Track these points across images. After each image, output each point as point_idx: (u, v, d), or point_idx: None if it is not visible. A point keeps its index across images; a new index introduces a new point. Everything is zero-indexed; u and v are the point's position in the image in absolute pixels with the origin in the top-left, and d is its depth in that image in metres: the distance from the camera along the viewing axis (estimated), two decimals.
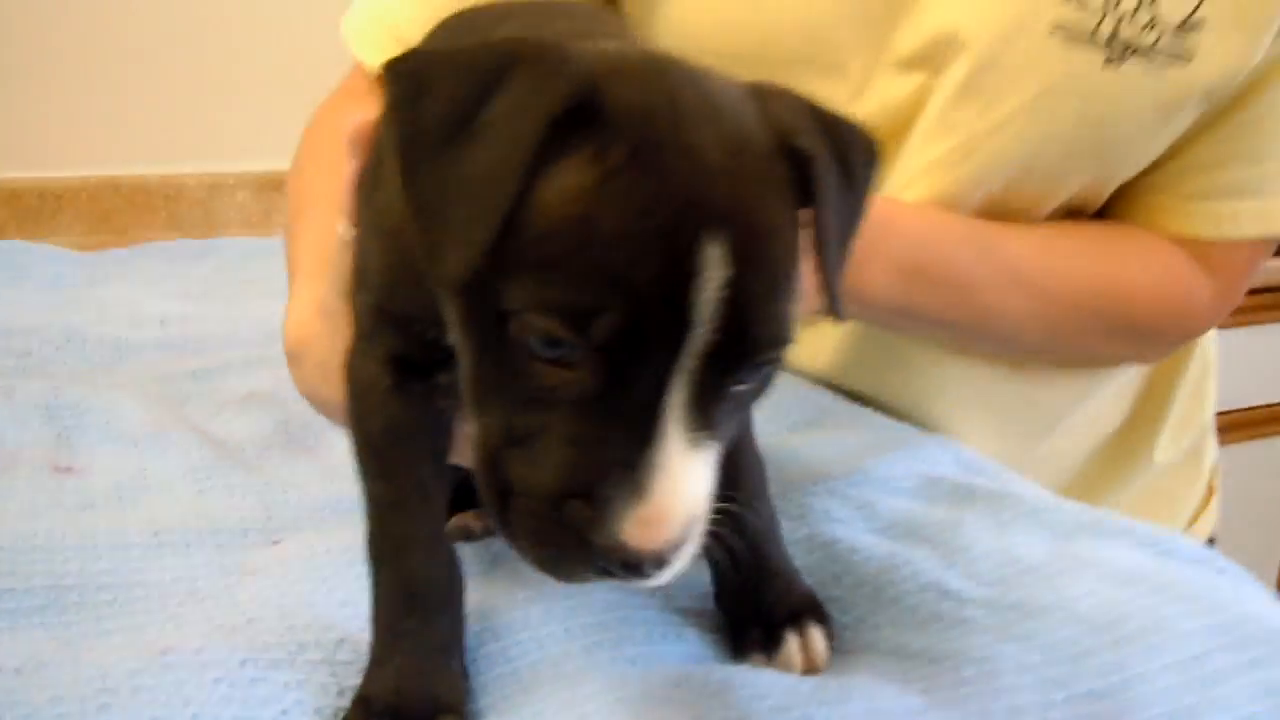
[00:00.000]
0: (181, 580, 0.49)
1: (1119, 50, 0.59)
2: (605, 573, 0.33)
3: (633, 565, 0.32)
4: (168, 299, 1.02)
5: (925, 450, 0.66)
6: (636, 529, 0.32)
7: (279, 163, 1.76)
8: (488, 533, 0.54)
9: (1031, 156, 0.62)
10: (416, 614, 0.41)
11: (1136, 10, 0.58)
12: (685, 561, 0.34)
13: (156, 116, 1.70)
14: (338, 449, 0.68)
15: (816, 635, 0.47)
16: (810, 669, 0.46)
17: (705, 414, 0.33)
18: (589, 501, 0.32)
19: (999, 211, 0.65)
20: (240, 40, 1.69)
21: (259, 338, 0.91)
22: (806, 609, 0.47)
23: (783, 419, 0.71)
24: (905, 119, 0.64)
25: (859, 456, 0.64)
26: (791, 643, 0.46)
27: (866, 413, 0.71)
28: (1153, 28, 0.59)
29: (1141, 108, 0.61)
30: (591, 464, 0.32)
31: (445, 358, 0.38)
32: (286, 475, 0.62)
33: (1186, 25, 0.59)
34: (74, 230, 1.65)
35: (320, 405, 0.50)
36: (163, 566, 0.50)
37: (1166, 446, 0.76)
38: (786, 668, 0.45)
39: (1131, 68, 0.59)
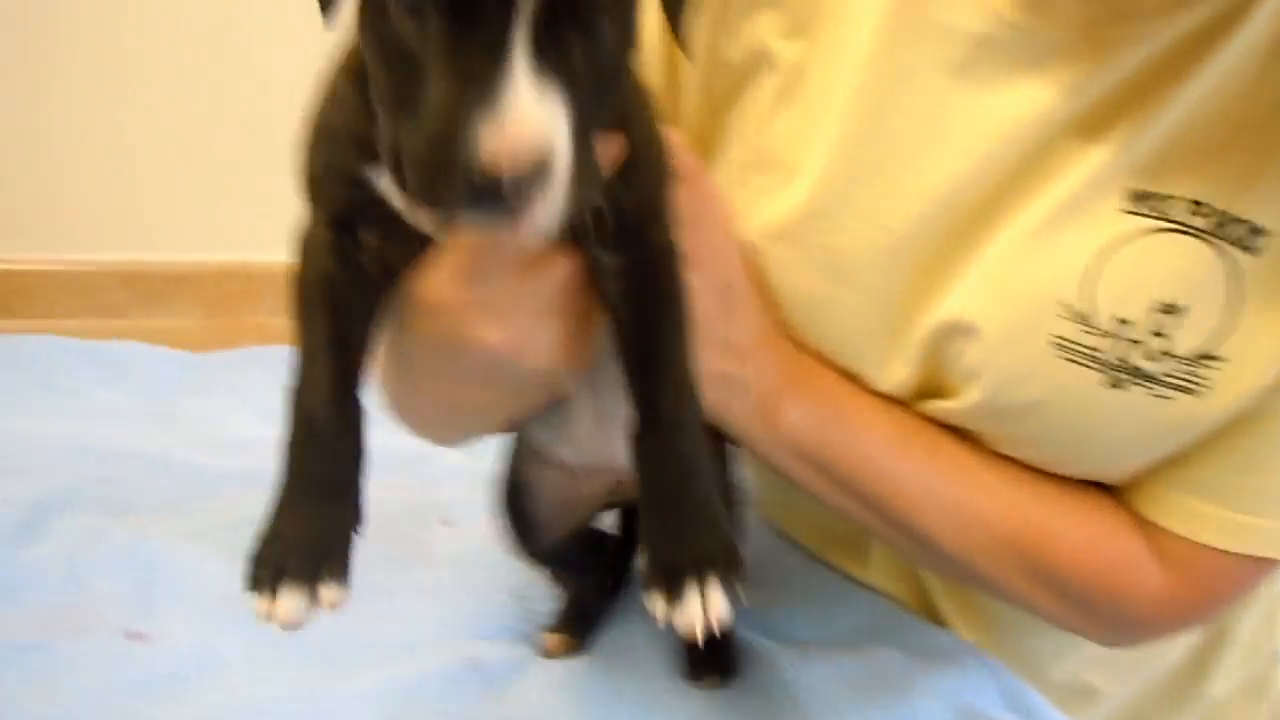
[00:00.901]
0: None
1: (1124, 375, 0.56)
2: (475, 203, 0.37)
3: (493, 188, 0.36)
4: (257, 418, 1.07)
5: (968, 676, 0.65)
6: (491, 144, 0.36)
7: None
8: (568, 652, 0.61)
9: (1025, 446, 0.61)
10: (314, 454, 0.46)
11: (1147, 339, 0.55)
12: (552, 204, 0.37)
13: (269, 204, 1.78)
14: (397, 598, 0.71)
15: (716, 596, 0.45)
16: (696, 633, 0.44)
17: (552, 59, 0.38)
18: (454, 134, 0.37)
19: None
20: None
21: None
22: (718, 558, 0.46)
23: (831, 625, 0.72)
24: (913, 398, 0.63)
25: (897, 681, 0.64)
26: (693, 601, 0.45)
27: (914, 623, 0.71)
28: (1163, 358, 0.55)
29: (1143, 427, 0.57)
30: (454, 103, 0.37)
31: (374, 219, 0.46)
32: (347, 651, 0.65)
33: (1202, 360, 0.55)
34: (193, 313, 1.74)
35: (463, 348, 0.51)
36: None
37: (1226, 677, 0.74)
38: (685, 626, 0.44)
39: (1135, 391, 0.56)
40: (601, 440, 0.60)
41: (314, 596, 0.44)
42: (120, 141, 1.67)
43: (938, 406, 0.61)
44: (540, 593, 0.74)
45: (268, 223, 1.81)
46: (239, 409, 1.10)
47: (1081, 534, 0.61)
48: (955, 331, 0.58)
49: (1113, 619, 0.63)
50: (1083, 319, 0.56)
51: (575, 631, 0.69)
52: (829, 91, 0.60)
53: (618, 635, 0.68)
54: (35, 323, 1.61)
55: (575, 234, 0.47)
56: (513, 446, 0.68)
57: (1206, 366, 0.55)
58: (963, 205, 0.58)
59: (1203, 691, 0.73)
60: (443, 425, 0.66)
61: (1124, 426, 0.57)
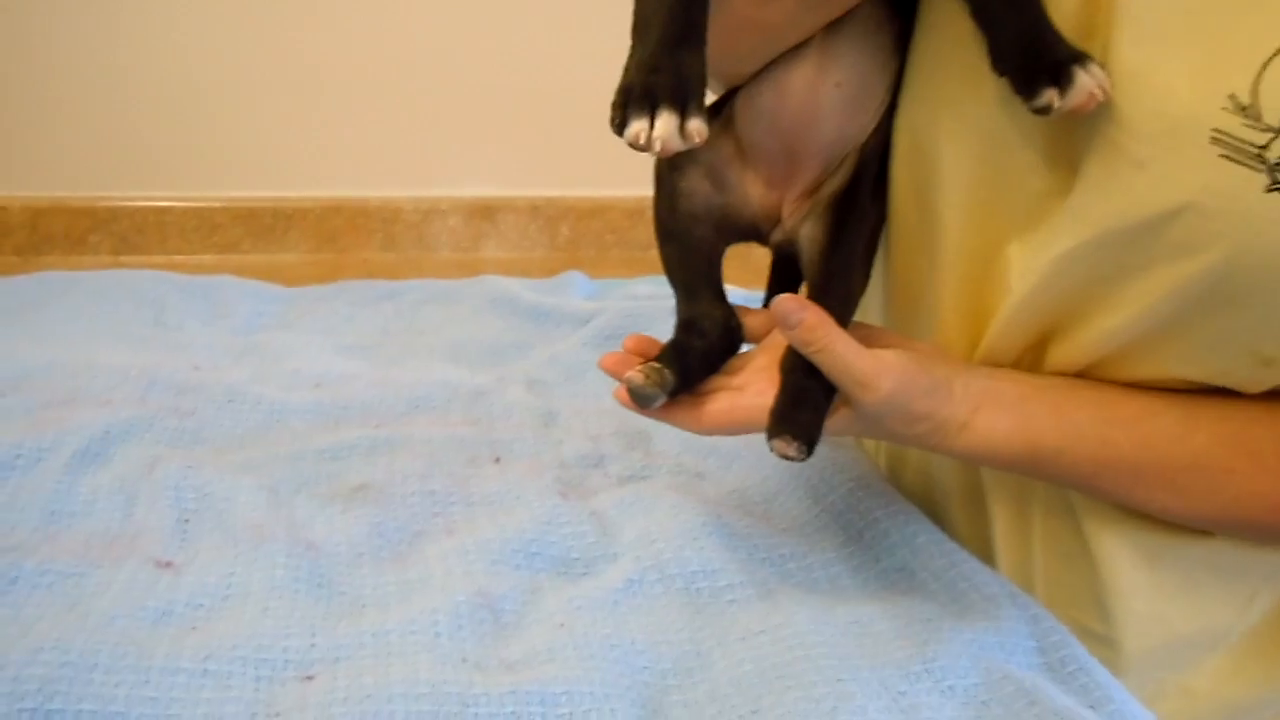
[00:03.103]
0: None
1: None
2: None
3: None
4: (333, 354, 1.08)
5: (1005, 628, 0.61)
6: None
7: (489, 189, 1.84)
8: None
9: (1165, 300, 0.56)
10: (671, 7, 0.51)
11: None
12: None
13: (377, 143, 1.81)
14: (429, 555, 0.71)
15: (1097, 70, 0.53)
16: (1099, 96, 0.53)
17: None
18: None
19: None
20: (456, 73, 1.77)
21: (401, 406, 0.95)
22: (1081, 54, 0.54)
23: (873, 564, 0.69)
24: None
25: (926, 634, 0.60)
26: (1082, 76, 0.53)
27: (962, 560, 0.67)
28: None
29: None
30: None
31: None
32: (360, 590, 0.65)
33: None
34: (301, 247, 1.79)
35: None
36: (197, 701, 0.54)
37: None
38: (1081, 97, 0.53)
39: None
40: (808, 100, 0.63)
41: (683, 128, 0.49)
42: (235, 81, 1.72)
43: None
44: (567, 529, 0.72)
45: (377, 160, 1.84)
46: (321, 344, 1.12)
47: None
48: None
49: None
50: (1249, 114, 0.50)
51: (674, 368, 0.63)
52: None
53: (626, 581, 0.67)
54: (155, 259, 1.69)
55: None
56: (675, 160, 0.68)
57: None
58: None
59: None
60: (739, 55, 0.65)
61: None
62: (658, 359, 0.63)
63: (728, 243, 0.68)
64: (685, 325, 0.66)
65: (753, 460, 0.83)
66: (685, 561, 0.68)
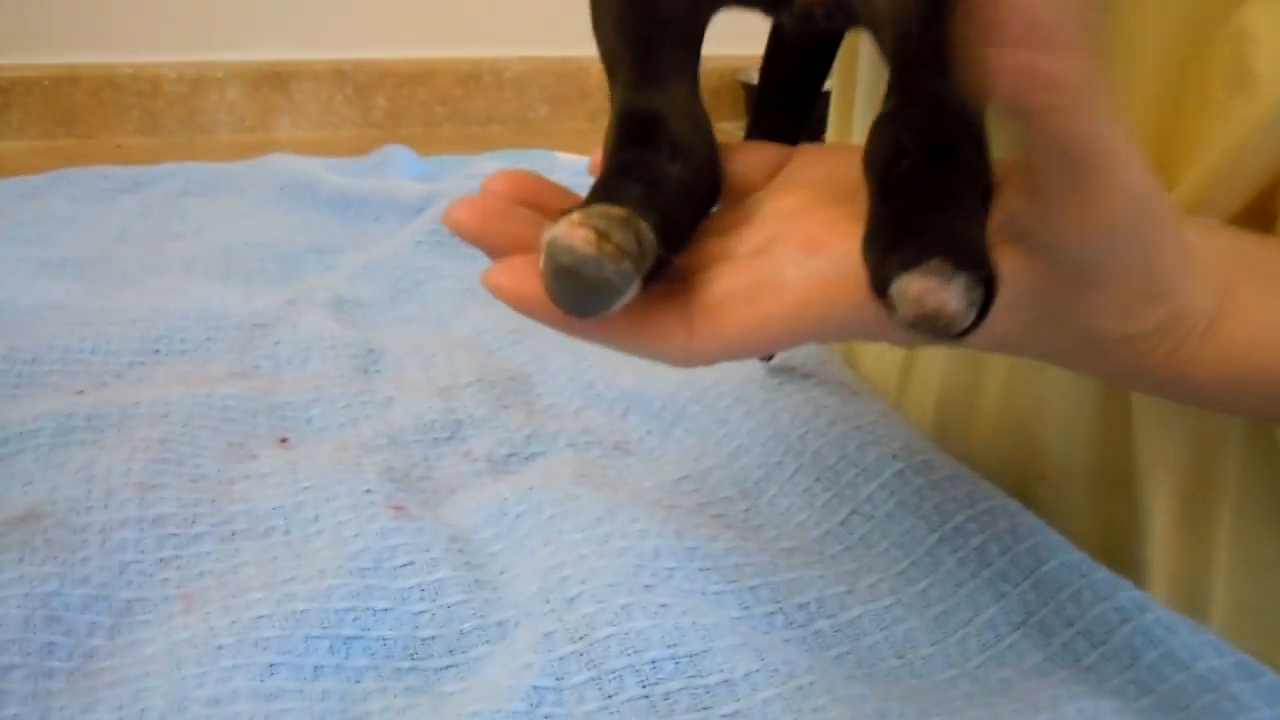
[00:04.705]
0: None
1: None
2: None
3: None
4: (32, 275, 0.72)
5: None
6: None
7: (277, 50, 1.44)
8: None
9: None
10: None
11: None
12: None
13: None
14: (141, 659, 0.38)
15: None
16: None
17: None
18: None
19: None
20: None
21: (128, 354, 0.60)
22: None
23: (968, 615, 0.38)
24: None
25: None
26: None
27: (1131, 600, 0.38)
28: None
29: None
30: None
31: None
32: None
33: None
34: (27, 132, 1.35)
35: None
36: None
37: None
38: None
39: None
40: None
41: None
42: None
43: None
44: (406, 583, 0.40)
45: (127, 13, 1.42)
46: (18, 261, 0.75)
47: None
48: None
49: None
50: None
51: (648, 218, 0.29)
52: None
53: (528, 691, 0.35)
54: None
55: None
56: None
57: None
58: None
59: None
60: None
61: None
62: (604, 199, 0.29)
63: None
64: (644, 127, 0.32)
65: (709, 416, 0.51)
66: (638, 639, 0.36)
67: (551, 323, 0.29)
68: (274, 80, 1.42)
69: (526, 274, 0.28)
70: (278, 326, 0.64)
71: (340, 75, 1.44)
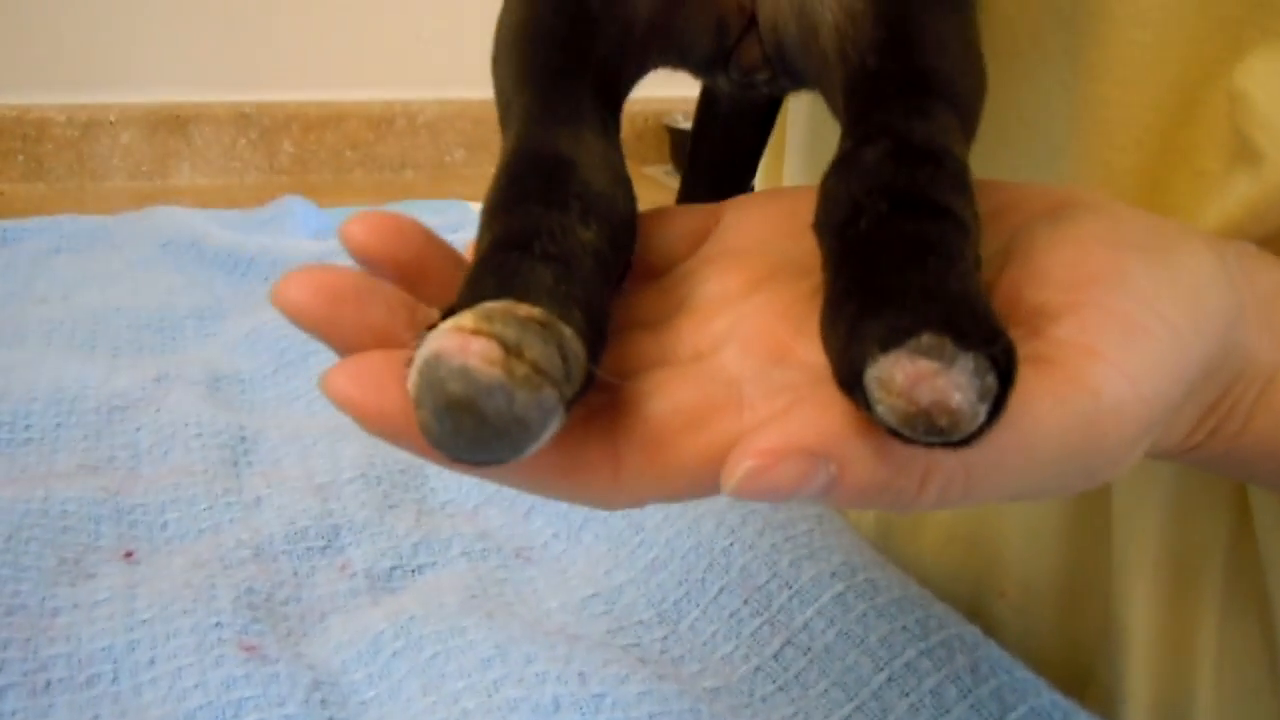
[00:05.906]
0: None
1: None
2: None
3: None
4: None
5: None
6: None
7: (177, 92, 1.36)
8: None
9: None
10: None
11: None
12: None
13: (10, 31, 1.29)
14: None
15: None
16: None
17: None
18: None
19: None
20: None
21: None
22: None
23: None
24: None
25: None
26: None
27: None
28: None
29: None
30: None
31: None
32: None
33: None
34: None
35: None
36: None
37: None
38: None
39: None
40: None
41: None
42: None
43: None
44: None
45: (11, 54, 1.33)
46: None
47: None
48: None
49: None
50: None
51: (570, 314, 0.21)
52: None
53: None
54: None
55: None
56: None
57: None
58: None
59: None
60: None
61: None
62: (503, 289, 0.20)
63: (642, 56, 0.29)
64: (547, 175, 0.24)
65: (621, 520, 0.45)
66: None
67: (423, 456, 0.21)
68: (172, 123, 1.34)
69: (388, 382, 0.20)
70: (140, 409, 0.56)
71: (244, 118, 1.36)
